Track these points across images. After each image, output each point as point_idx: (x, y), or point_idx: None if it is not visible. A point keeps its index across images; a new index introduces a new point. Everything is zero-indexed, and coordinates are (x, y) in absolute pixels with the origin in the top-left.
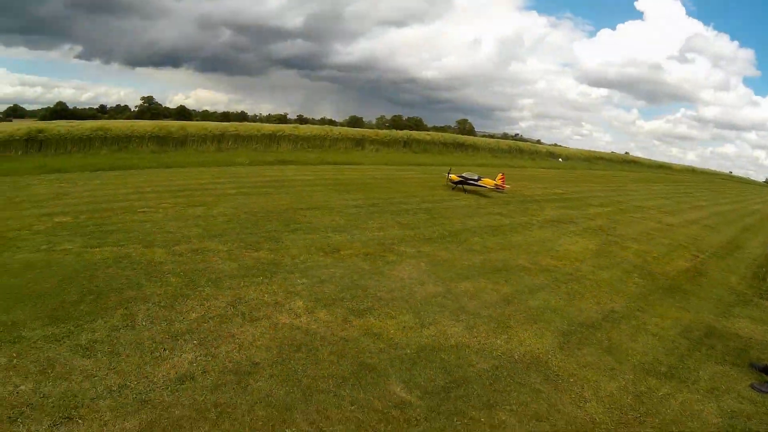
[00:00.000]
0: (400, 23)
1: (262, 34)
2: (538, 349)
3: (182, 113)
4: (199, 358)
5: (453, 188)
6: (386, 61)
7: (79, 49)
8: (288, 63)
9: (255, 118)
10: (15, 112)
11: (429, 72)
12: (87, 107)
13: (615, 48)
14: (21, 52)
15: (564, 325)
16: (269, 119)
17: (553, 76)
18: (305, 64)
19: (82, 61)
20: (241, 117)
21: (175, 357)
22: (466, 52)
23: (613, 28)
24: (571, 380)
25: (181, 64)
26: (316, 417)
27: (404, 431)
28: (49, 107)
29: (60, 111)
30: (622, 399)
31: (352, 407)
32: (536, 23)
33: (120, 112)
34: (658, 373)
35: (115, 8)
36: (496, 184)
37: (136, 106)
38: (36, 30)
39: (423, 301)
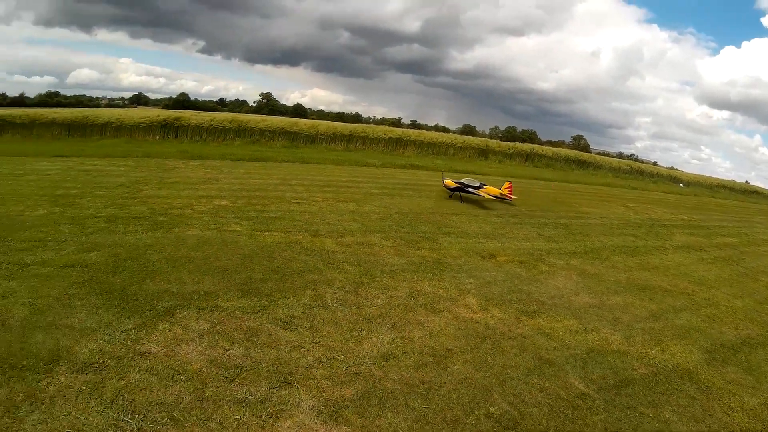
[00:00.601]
0: (517, 32)
1: (379, 37)
2: (688, 362)
3: (298, 111)
4: (396, 340)
5: (450, 196)
6: (502, 71)
7: (201, 44)
8: (403, 67)
9: (369, 120)
10: (139, 100)
11: (545, 83)
12: (207, 99)
13: (739, 67)
14: (147, 44)
15: (707, 344)
16: (383, 122)
17: (673, 95)
18: (420, 69)
19: (204, 56)
20: (356, 118)
21: (374, 337)
22: (584, 65)
23: (738, 46)
24: (719, 392)
25: (299, 63)
26: (513, 399)
27: (588, 418)
28: (171, 97)
29: (182, 101)
30: (764, 413)
31: (542, 394)
32: (656, 38)
33: (238, 106)
34: None
35: (237, 6)
36: (501, 194)
37: (254, 102)
38: (161, 24)
39: (581, 310)
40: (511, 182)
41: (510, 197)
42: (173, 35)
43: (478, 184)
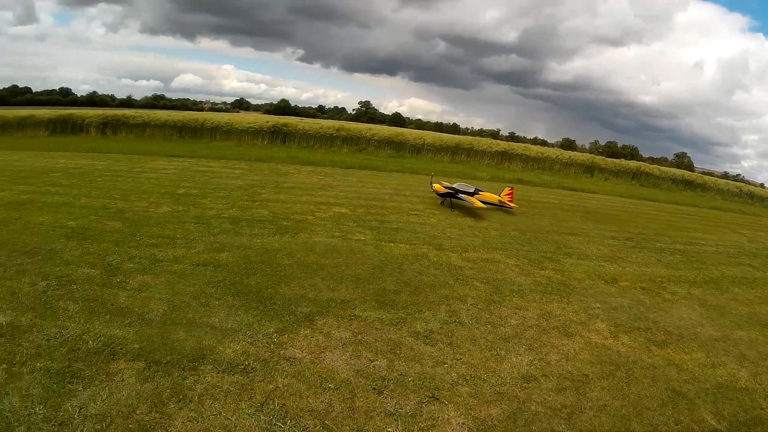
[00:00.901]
0: (617, 42)
1: (476, 47)
2: None
3: (397, 120)
4: (534, 362)
5: (442, 202)
6: (601, 82)
7: (300, 52)
8: (501, 78)
9: (467, 131)
10: (241, 104)
11: (646, 96)
12: (307, 106)
13: None
14: (248, 52)
15: None
16: (481, 133)
17: None
18: (518, 81)
19: (304, 64)
20: (454, 129)
21: (513, 357)
22: (686, 77)
23: None
24: None
25: (396, 73)
26: (651, 430)
27: None
28: (272, 103)
29: (283, 107)
30: None
31: (677, 427)
32: (762, 47)
33: (338, 113)
34: None
35: (335, 16)
36: (500, 201)
37: (353, 110)
38: (262, 33)
39: (707, 343)
40: (512, 188)
41: (510, 205)
42: (273, 44)
43: (472, 190)
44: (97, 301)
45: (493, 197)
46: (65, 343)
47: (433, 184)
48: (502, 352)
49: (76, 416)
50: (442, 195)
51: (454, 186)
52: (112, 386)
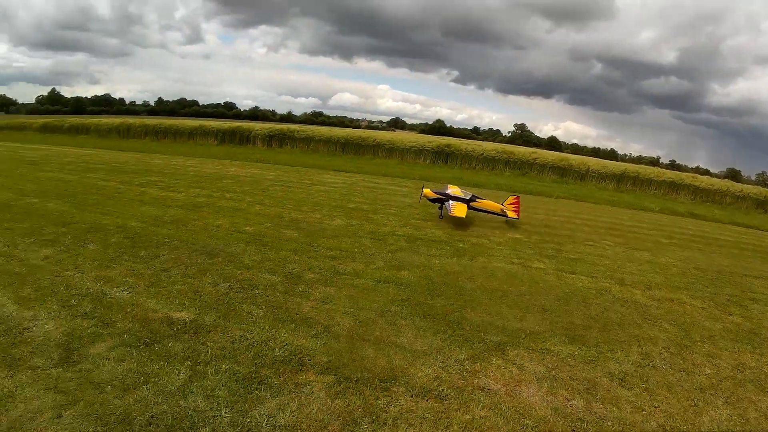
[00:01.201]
0: None
1: (633, 68)
2: None
3: (553, 144)
4: (733, 417)
5: (440, 212)
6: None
7: (455, 74)
8: (660, 101)
9: (624, 158)
10: (396, 124)
11: None
12: (462, 127)
13: None
14: (403, 73)
15: None
16: (640, 161)
17: None
18: (678, 104)
19: (458, 85)
20: (612, 155)
21: (711, 410)
22: None
23: None
24: None
25: (551, 95)
26: None
27: None
28: (427, 123)
29: (438, 128)
30: None
31: None
32: None
33: (492, 135)
34: None
35: (489, 38)
36: (503, 209)
37: (508, 132)
38: (417, 54)
39: None
40: (518, 197)
41: (512, 215)
42: (428, 65)
43: (468, 197)
44: (281, 309)
45: (494, 206)
46: (250, 348)
47: (424, 189)
48: (700, 404)
49: (264, 424)
50: (432, 201)
51: (446, 192)
52: (301, 398)
